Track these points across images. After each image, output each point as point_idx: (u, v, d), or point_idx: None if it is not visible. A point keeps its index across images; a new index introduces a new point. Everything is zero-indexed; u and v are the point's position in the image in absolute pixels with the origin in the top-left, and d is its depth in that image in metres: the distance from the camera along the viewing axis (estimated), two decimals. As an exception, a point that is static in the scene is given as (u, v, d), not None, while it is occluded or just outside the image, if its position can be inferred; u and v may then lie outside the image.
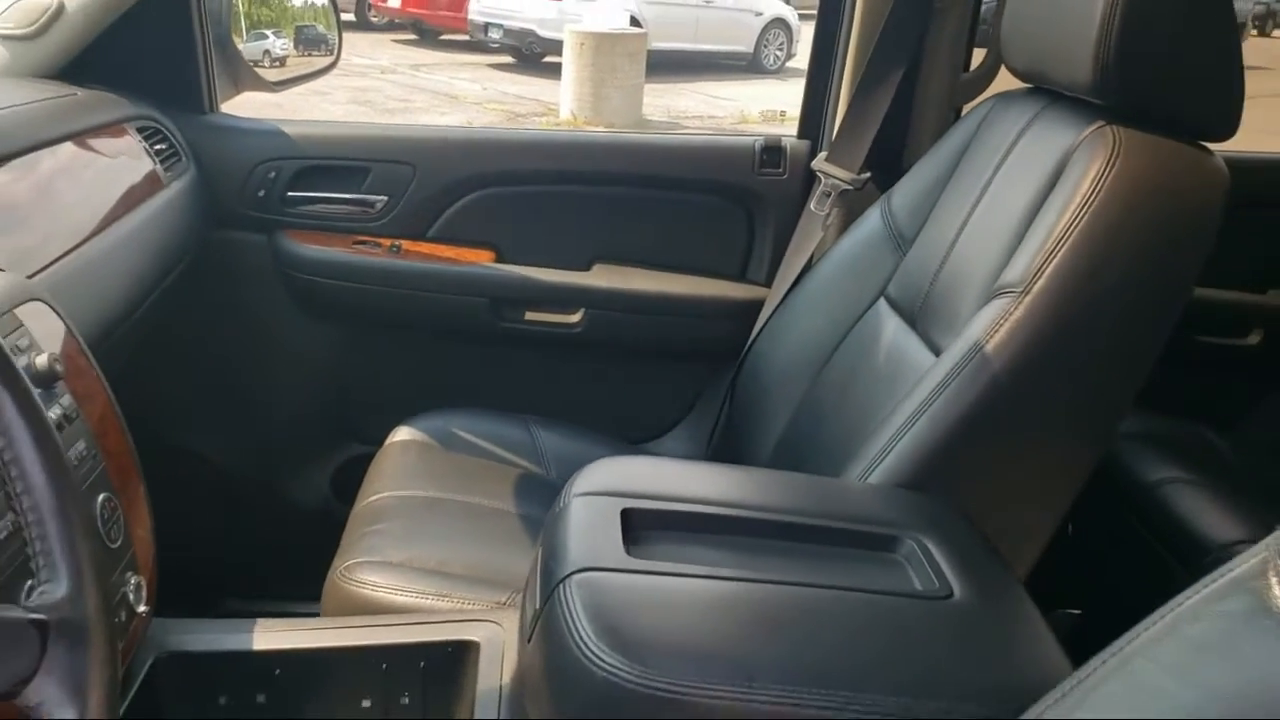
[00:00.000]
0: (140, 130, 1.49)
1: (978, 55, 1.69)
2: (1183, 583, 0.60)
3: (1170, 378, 1.66)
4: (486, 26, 10.74)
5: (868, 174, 1.58)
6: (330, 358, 1.78)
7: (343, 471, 1.77)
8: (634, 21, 9.74)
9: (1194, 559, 1.38)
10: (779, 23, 11.37)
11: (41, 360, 0.84)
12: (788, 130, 1.85)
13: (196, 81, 1.67)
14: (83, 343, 1.00)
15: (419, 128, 1.87)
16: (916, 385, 1.12)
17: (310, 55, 1.94)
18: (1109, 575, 1.56)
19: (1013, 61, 1.31)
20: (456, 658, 1.02)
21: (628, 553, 0.86)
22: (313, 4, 2.02)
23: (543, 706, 0.81)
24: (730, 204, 1.77)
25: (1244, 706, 0.59)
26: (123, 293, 1.31)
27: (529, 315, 1.74)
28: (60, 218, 1.22)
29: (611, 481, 0.97)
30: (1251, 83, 1.14)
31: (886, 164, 1.59)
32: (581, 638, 0.77)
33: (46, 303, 0.96)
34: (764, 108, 8.66)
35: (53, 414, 0.87)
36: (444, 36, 11.73)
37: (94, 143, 1.39)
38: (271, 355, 1.77)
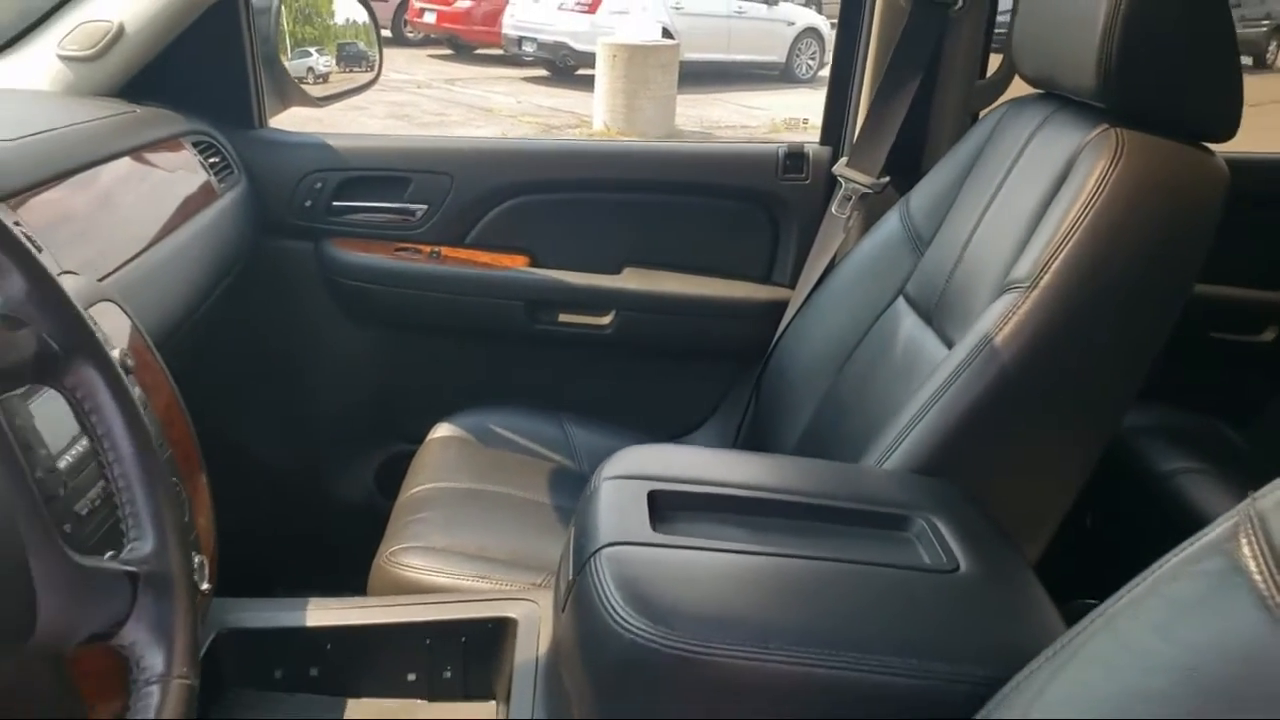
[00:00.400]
0: (195, 144, 1.58)
1: (995, 63, 1.74)
2: None
3: (1186, 374, 1.70)
4: (520, 40, 10.85)
5: (887, 178, 1.63)
6: (374, 359, 1.85)
7: (386, 468, 1.83)
8: (666, 33, 9.79)
9: None
10: (811, 32, 11.40)
11: (114, 355, 0.92)
12: (809, 136, 1.91)
13: (247, 98, 1.75)
14: (148, 340, 1.07)
15: (456, 139, 1.94)
16: (930, 376, 1.17)
17: (352, 71, 2.02)
18: (1125, 564, 1.60)
19: (1023, 68, 1.36)
20: (495, 634, 1.08)
21: (653, 529, 0.92)
22: (353, 22, 2.10)
23: (575, 670, 0.87)
24: (755, 208, 1.83)
25: (1215, 658, 0.65)
26: (181, 297, 1.39)
27: (562, 317, 1.81)
28: (122, 227, 1.29)
29: (639, 466, 1.03)
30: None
31: (905, 168, 1.64)
32: (611, 604, 0.83)
33: (116, 303, 1.04)
34: (792, 116, 8.71)
35: None
36: (479, 51, 11.83)
37: (152, 157, 1.47)
38: (318, 357, 1.85)
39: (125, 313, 1.05)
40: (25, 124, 1.22)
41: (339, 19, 2.11)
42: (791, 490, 1.04)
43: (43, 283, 0.62)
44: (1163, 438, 1.64)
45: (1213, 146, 1.18)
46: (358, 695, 1.09)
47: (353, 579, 1.33)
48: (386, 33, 11.53)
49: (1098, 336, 1.13)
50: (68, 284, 0.69)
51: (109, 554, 0.63)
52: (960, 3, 1.60)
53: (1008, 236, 1.23)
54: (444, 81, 10.31)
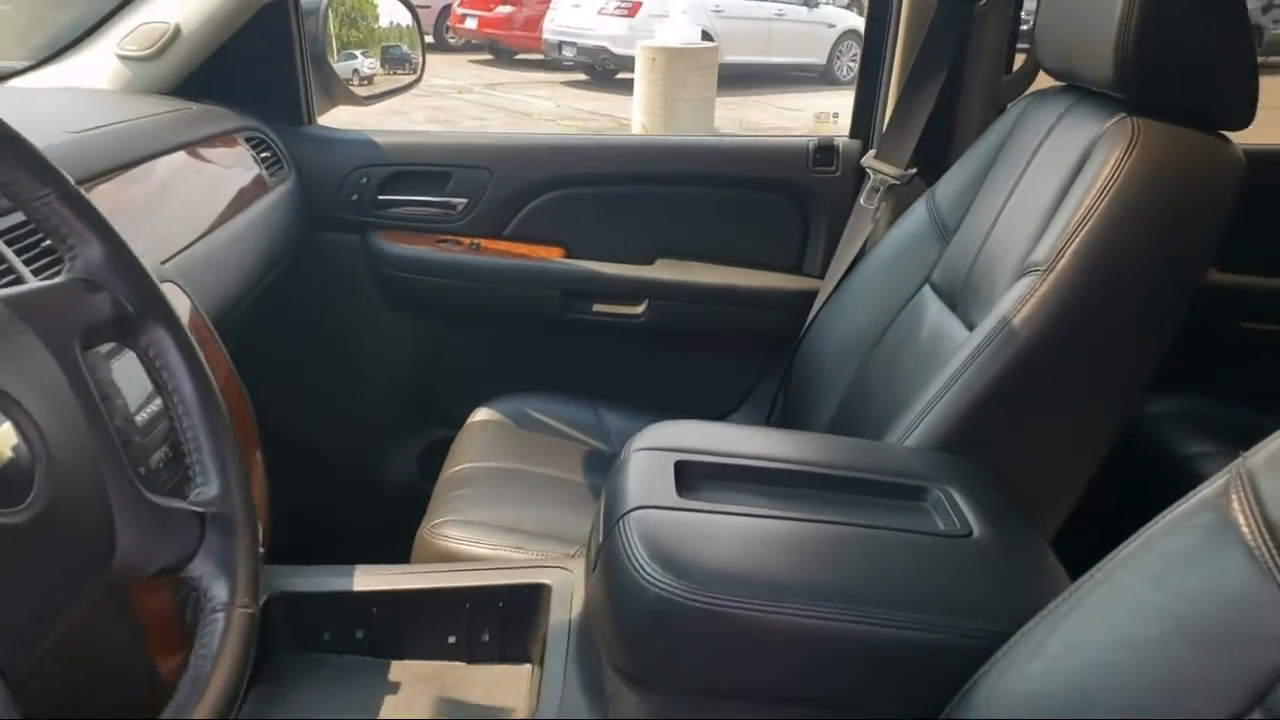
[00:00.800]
0: (248, 140, 1.65)
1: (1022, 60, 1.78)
2: None
3: (1216, 363, 1.72)
4: (560, 45, 10.91)
5: (914, 170, 1.67)
6: (416, 347, 1.91)
7: (428, 452, 1.89)
8: (706, 36, 9.81)
9: None
10: (852, 34, 11.37)
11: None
12: (838, 130, 1.94)
13: (296, 96, 1.82)
14: (207, 319, 1.14)
15: (495, 135, 2.00)
16: (951, 357, 1.22)
17: (395, 73, 2.09)
18: None
19: (1046, 61, 1.40)
20: (531, 599, 1.13)
21: (679, 496, 0.97)
22: (397, 25, 2.17)
23: (604, 624, 0.92)
24: (786, 200, 1.87)
25: (1206, 606, 0.69)
26: (235, 283, 1.45)
27: (596, 307, 1.86)
28: (179, 216, 1.36)
29: (667, 439, 1.09)
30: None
31: (933, 160, 1.68)
32: (637, 562, 0.88)
33: (177, 284, 1.11)
34: (822, 110, 8.68)
35: None
36: (519, 56, 11.90)
37: (207, 151, 1.54)
38: (364, 345, 1.91)
39: (185, 293, 1.12)
40: (88, 120, 1.29)
41: (383, 22, 2.18)
42: (812, 463, 1.08)
43: (119, 251, 0.68)
44: (1188, 423, 1.66)
45: (1246, 139, 1.20)
46: (401, 657, 1.14)
47: (397, 552, 1.38)
48: (429, 38, 11.64)
49: (1112, 318, 1.16)
50: None
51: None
52: (985, -1, 1.64)
53: (1027, 223, 1.27)
54: (484, 86, 10.40)
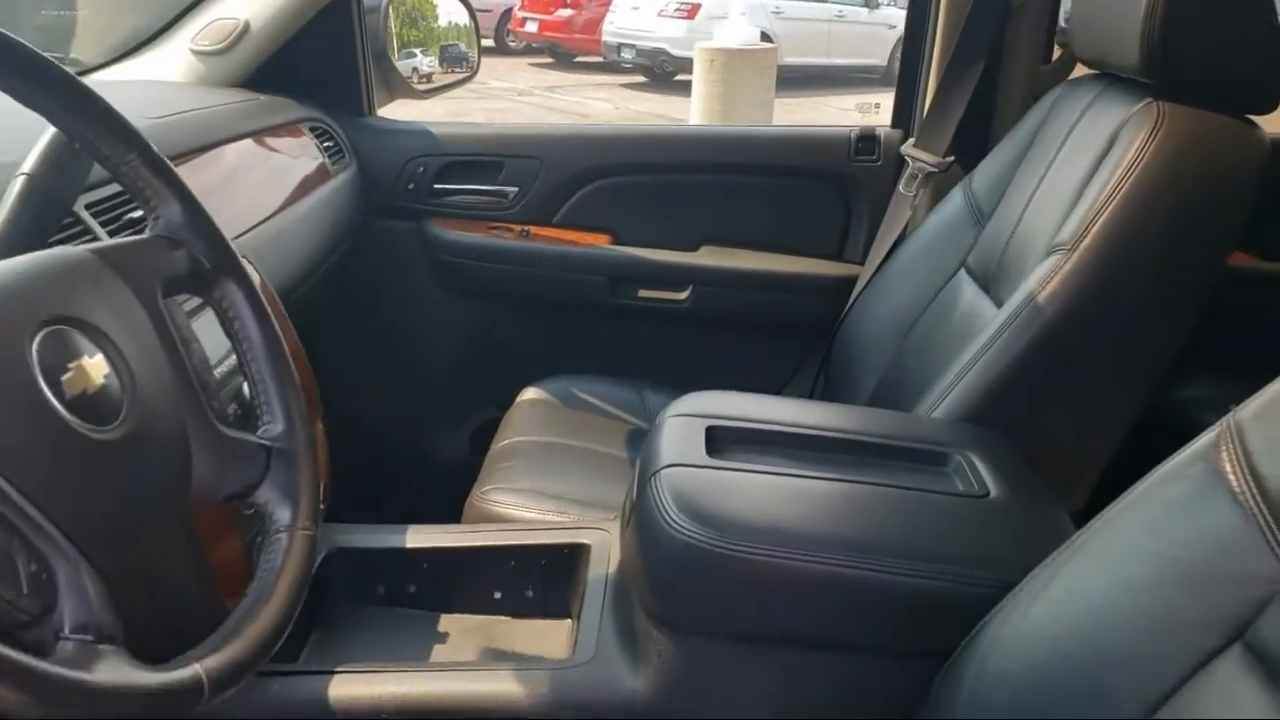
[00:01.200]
0: (311, 130, 1.74)
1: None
2: None
3: (1252, 348, 1.73)
4: (619, 47, 10.98)
5: (951, 157, 1.71)
6: (469, 329, 1.99)
7: (480, 431, 1.96)
8: (765, 37, 9.82)
9: None
10: (912, 35, 11.30)
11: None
12: (879, 119, 1.99)
13: (358, 89, 1.91)
14: (274, 293, 1.22)
15: (546, 126, 2.08)
16: (979, 333, 1.26)
17: (453, 71, 2.17)
18: None
19: (1079, 50, 1.43)
20: (571, 558, 1.19)
21: (708, 456, 1.03)
22: (455, 25, 2.26)
23: (636, 571, 0.99)
24: (827, 188, 1.91)
25: (1195, 549, 0.74)
26: (298, 264, 1.54)
27: (642, 292, 1.92)
28: (247, 198, 1.45)
29: (700, 407, 1.15)
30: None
31: (971, 148, 1.71)
32: (666, 513, 0.94)
33: (247, 259, 1.19)
34: (864, 101, 8.63)
35: None
36: (578, 59, 12.01)
37: (273, 140, 1.63)
38: (419, 326, 1.99)
39: (254, 268, 1.20)
40: (164, 108, 1.38)
41: (442, 22, 2.27)
42: (839, 430, 1.13)
43: (197, 211, 0.76)
44: (1218, 406, 1.68)
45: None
46: (449, 610, 1.20)
47: (448, 517, 1.45)
48: (490, 42, 11.82)
49: (1134, 296, 1.19)
50: None
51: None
52: (1021, -9, 1.68)
53: (1056, 206, 1.30)
54: (544, 89, 10.51)
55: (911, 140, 1.79)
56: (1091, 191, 1.21)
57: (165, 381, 0.68)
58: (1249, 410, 0.75)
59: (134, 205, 1.06)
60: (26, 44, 0.67)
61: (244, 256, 1.18)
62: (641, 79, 11.04)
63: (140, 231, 0.77)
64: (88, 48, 1.90)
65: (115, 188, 1.05)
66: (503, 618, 1.20)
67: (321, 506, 1.14)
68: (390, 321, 1.99)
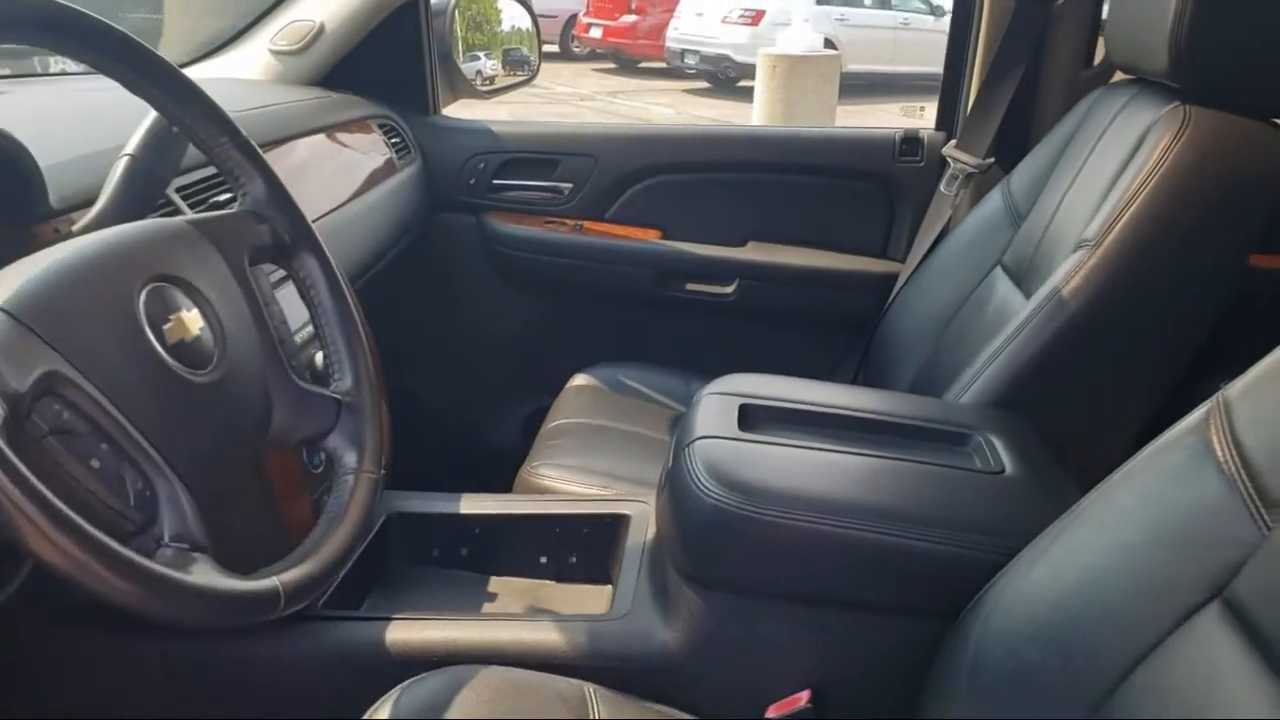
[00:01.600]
0: (380, 126, 1.84)
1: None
2: None
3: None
4: (683, 53, 11.06)
5: (991, 159, 1.77)
6: (523, 318, 2.08)
7: (531, 417, 2.04)
8: (829, 44, 9.83)
9: None
10: (976, 42, 11.23)
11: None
12: (925, 121, 2.04)
13: (423, 89, 2.01)
14: (344, 277, 1.31)
15: (600, 125, 2.16)
16: (1006, 323, 1.32)
17: (515, 74, 2.27)
18: None
19: (1113, 54, 1.48)
20: (612, 527, 1.27)
21: (739, 430, 1.11)
22: (518, 29, 2.35)
23: (669, 533, 1.06)
24: (871, 188, 1.97)
25: (1181, 514, 0.80)
26: (364, 251, 1.64)
27: (689, 285, 1.99)
28: (319, 188, 1.55)
29: (734, 386, 1.22)
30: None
31: (1012, 150, 1.76)
32: (697, 479, 1.01)
33: (319, 240, 1.29)
34: (910, 104, 8.62)
35: None
36: (642, 64, 12.12)
37: (343, 135, 1.73)
38: (476, 315, 2.09)
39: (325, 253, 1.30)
40: (244, 103, 1.48)
41: (505, 26, 2.36)
42: (866, 410, 1.20)
43: (280, 190, 0.86)
44: None
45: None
46: (498, 573, 1.28)
47: (499, 491, 1.54)
48: (554, 48, 11.97)
49: (1156, 291, 1.23)
50: None
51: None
52: (1061, -3, 1.73)
53: (1086, 205, 1.35)
54: (607, 94, 10.61)
55: (953, 142, 1.84)
56: (1118, 190, 1.26)
57: (250, 338, 0.78)
58: (1237, 387, 0.81)
59: (218, 190, 1.16)
60: (141, 41, 0.77)
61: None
62: (704, 85, 11.10)
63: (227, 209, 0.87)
64: (174, 47, 2.02)
65: (201, 174, 1.16)
66: (547, 581, 1.29)
67: (383, 473, 1.23)
68: (450, 310, 2.09)
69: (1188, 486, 0.80)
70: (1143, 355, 1.27)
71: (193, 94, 0.82)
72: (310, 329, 0.98)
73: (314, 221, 1.41)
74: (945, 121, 1.97)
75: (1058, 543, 0.88)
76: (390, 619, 1.08)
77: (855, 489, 1.03)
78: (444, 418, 2.11)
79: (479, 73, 2.19)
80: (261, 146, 1.39)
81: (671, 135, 2.09)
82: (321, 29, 1.81)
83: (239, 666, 1.07)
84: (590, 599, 1.24)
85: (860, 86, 9.93)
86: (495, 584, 1.29)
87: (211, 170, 1.17)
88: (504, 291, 2.08)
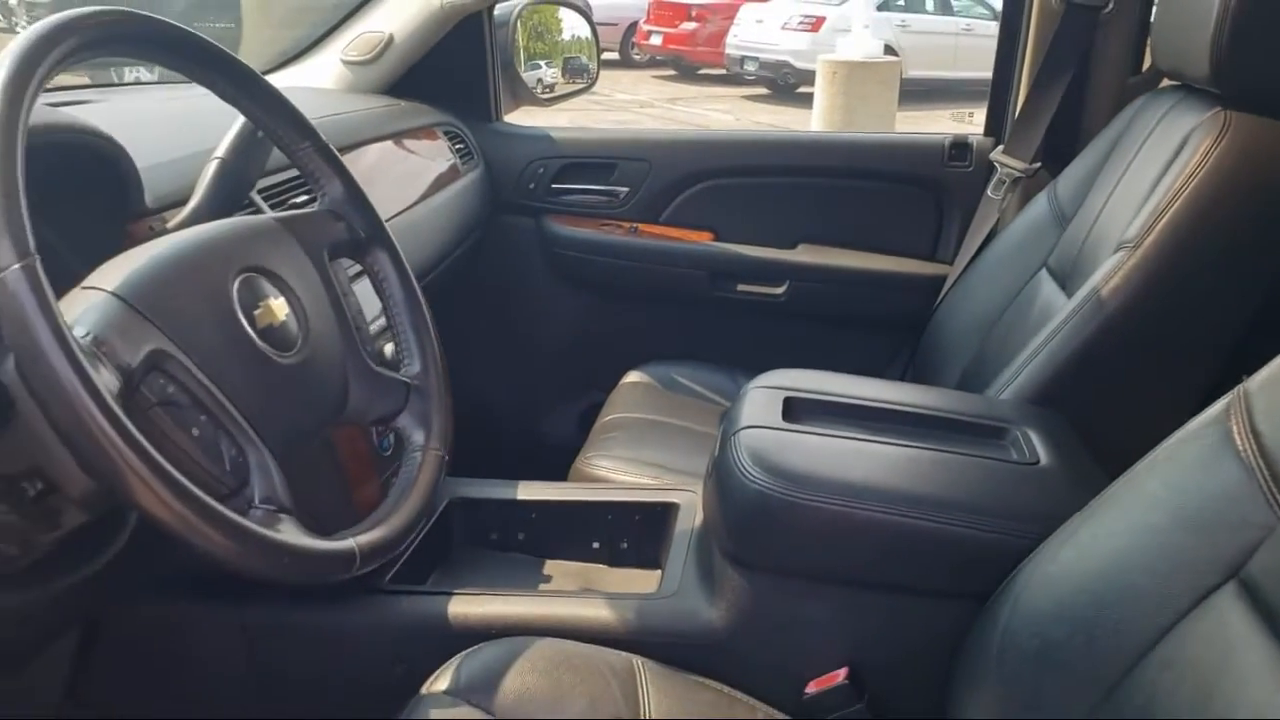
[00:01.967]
0: (445, 133, 1.93)
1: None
2: None
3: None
4: (743, 60, 11.09)
5: (1038, 164, 1.80)
6: (580, 317, 2.15)
7: (586, 413, 2.10)
8: (889, 50, 9.81)
9: None
10: (1039, 48, 11.09)
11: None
12: (974, 127, 2.07)
13: (486, 97, 2.10)
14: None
15: (655, 131, 2.23)
16: (1047, 322, 1.36)
17: (574, 82, 2.35)
18: None
19: (1158, 60, 1.51)
20: (662, 514, 1.32)
21: (783, 421, 1.16)
22: (578, 38, 2.43)
23: (714, 516, 1.12)
24: (921, 193, 2.00)
25: (1200, 499, 0.84)
26: (430, 252, 1.71)
27: (740, 286, 2.04)
28: (386, 192, 1.62)
29: (780, 381, 1.27)
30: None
31: (1058, 155, 1.79)
32: (742, 466, 1.07)
33: (388, 241, 1.37)
34: (960, 109, 8.56)
35: None
36: (701, 71, 12.17)
37: (410, 142, 1.81)
38: (535, 314, 2.16)
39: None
40: (317, 111, 1.55)
41: (565, 35, 2.44)
42: (908, 404, 1.24)
43: (356, 191, 0.93)
44: None
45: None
46: (553, 557, 1.35)
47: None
48: (614, 55, 12.07)
49: (1192, 292, 1.27)
50: None
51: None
52: (1110, 5, 1.76)
53: (1128, 207, 1.37)
54: (666, 101, 10.67)
55: (1000, 147, 1.88)
56: (1159, 193, 1.29)
57: (330, 324, 0.85)
58: (1257, 379, 0.85)
59: (295, 192, 1.25)
60: (234, 55, 0.85)
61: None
62: (763, 91, 11.12)
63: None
64: (252, 57, 2.12)
65: (280, 177, 1.24)
66: (600, 565, 1.34)
67: (447, 459, 1.30)
68: (509, 308, 2.17)
69: (1209, 474, 0.84)
70: (1180, 353, 1.30)
71: (280, 103, 0.90)
72: (381, 322, 1.06)
73: (389, 220, 1.51)
74: (993, 127, 2.00)
75: (1084, 527, 0.92)
76: (452, 594, 1.15)
77: (893, 476, 1.08)
78: (502, 412, 2.19)
79: (540, 81, 2.26)
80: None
81: (724, 141, 2.15)
82: (391, 40, 1.89)
83: (311, 635, 1.15)
84: (640, 581, 1.30)
85: (921, 92, 9.88)
86: (549, 566, 1.35)
87: (289, 175, 1.25)
88: (561, 291, 2.15)
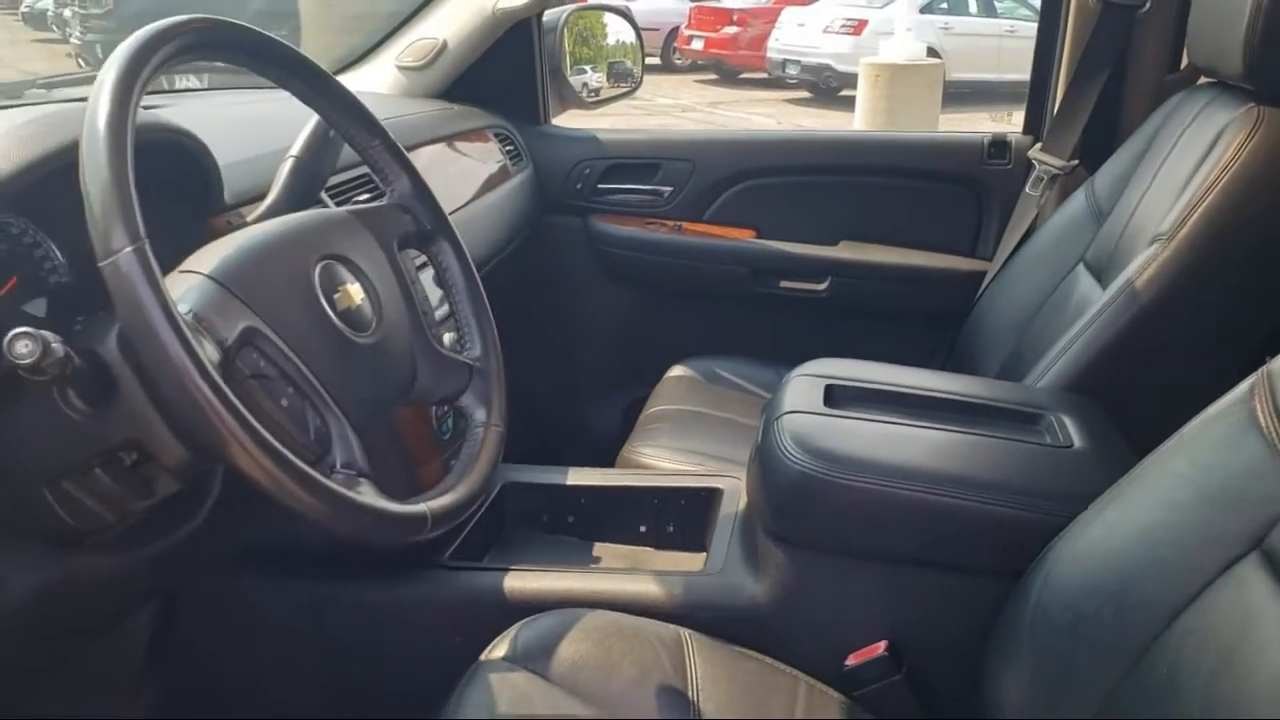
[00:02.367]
0: (495, 135, 1.99)
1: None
2: None
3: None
4: (784, 63, 11.09)
5: (1075, 161, 1.83)
6: (626, 313, 2.21)
7: (631, 406, 2.15)
8: (932, 52, 9.77)
9: None
10: (1084, 49, 11.01)
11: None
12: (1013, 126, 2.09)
13: (535, 100, 2.16)
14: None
15: (697, 131, 2.27)
16: (1083, 312, 1.39)
17: (619, 86, 2.41)
18: None
19: (1194, 58, 1.53)
20: (706, 499, 1.38)
21: (825, 406, 1.21)
22: (622, 43, 2.48)
23: (757, 497, 1.17)
24: (960, 190, 2.04)
25: (1225, 477, 0.87)
26: (482, 250, 1.77)
27: (783, 283, 2.09)
28: (439, 192, 1.68)
29: (822, 369, 1.32)
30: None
31: (1095, 152, 1.81)
32: (784, 448, 1.12)
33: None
34: (997, 110, 8.52)
35: None
36: (743, 75, 12.20)
37: (462, 144, 1.88)
38: (582, 309, 2.22)
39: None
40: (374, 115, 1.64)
41: (610, 40, 2.49)
42: (946, 391, 1.29)
43: (422, 187, 1.00)
44: None
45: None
46: (602, 539, 1.40)
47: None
48: (655, 60, 12.12)
49: (1224, 284, 1.30)
50: None
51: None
52: (1147, 4, 1.79)
53: (1163, 202, 1.41)
54: (708, 105, 10.71)
55: (1039, 145, 1.91)
56: (1193, 187, 1.32)
57: (400, 309, 0.92)
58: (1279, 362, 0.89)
59: (357, 191, 1.31)
60: (310, 59, 0.92)
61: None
62: (805, 94, 11.11)
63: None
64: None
65: (342, 177, 1.31)
66: (646, 548, 1.40)
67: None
68: (557, 305, 2.23)
69: (1234, 451, 0.88)
70: (1211, 342, 1.33)
71: (352, 104, 0.96)
72: (444, 310, 1.12)
73: (447, 216, 1.58)
74: (1032, 125, 2.03)
75: (1113, 505, 0.96)
76: (508, 569, 1.21)
77: (929, 458, 1.12)
78: (549, 404, 2.25)
79: (585, 85, 2.32)
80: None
81: (766, 141, 2.20)
82: (444, 46, 1.96)
83: (378, 607, 1.22)
84: (684, 563, 1.35)
85: (965, 95, 9.84)
86: (598, 548, 1.41)
87: (352, 174, 1.32)
88: (607, 288, 2.21)
